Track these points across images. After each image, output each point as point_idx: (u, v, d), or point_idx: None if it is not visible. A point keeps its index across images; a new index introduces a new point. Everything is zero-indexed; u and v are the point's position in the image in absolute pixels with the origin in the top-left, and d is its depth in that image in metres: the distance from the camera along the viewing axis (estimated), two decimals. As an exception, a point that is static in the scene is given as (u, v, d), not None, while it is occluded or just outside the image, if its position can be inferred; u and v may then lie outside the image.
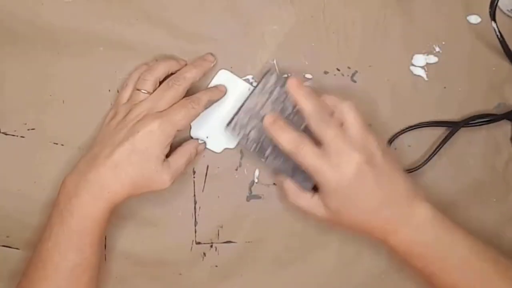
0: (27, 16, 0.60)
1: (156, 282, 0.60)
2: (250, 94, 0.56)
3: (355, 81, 0.61)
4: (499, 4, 0.60)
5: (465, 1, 0.62)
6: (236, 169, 0.61)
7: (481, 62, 0.61)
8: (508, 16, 0.61)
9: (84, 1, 0.60)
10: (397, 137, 0.61)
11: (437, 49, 0.61)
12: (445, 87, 0.61)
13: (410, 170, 0.60)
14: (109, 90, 0.60)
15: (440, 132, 0.61)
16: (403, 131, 0.61)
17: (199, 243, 0.61)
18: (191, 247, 0.61)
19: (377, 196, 0.52)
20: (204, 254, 0.61)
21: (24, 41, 0.60)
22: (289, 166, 0.55)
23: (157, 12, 0.60)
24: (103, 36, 0.60)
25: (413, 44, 0.61)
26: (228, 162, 0.61)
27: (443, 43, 0.61)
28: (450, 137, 0.60)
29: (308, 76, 0.61)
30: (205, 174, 0.61)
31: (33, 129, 0.60)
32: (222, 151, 0.60)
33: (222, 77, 0.60)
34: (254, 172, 0.61)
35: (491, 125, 0.61)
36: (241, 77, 0.61)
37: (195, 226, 0.61)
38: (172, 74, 0.57)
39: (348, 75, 0.61)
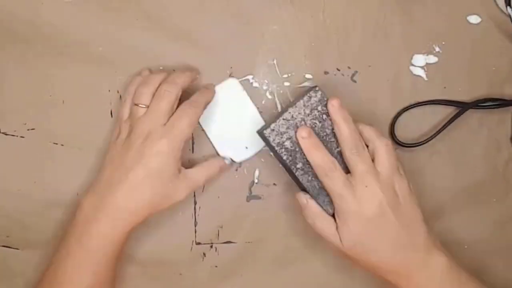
0: (27, 16, 0.60)
1: (156, 282, 0.60)
2: (292, 105, 0.54)
3: (355, 81, 0.61)
4: (498, 4, 0.61)
5: (465, 1, 0.62)
6: (236, 169, 0.61)
7: (481, 62, 0.62)
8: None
9: (84, 1, 0.60)
10: (400, 115, 0.61)
11: (437, 49, 0.61)
12: (445, 87, 0.61)
13: (413, 145, 0.60)
14: (109, 90, 0.60)
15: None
16: (406, 109, 0.61)
17: (199, 243, 0.61)
18: (191, 247, 0.61)
19: (395, 239, 0.51)
20: (204, 254, 0.61)
21: (24, 41, 0.60)
22: (315, 186, 0.54)
23: (157, 12, 0.60)
24: (103, 36, 0.60)
25: (413, 44, 0.61)
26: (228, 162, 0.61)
27: (443, 43, 0.61)
28: (457, 117, 0.60)
29: (308, 76, 0.61)
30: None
31: (33, 129, 0.60)
32: (225, 158, 0.60)
33: (231, 85, 0.60)
34: (254, 172, 0.61)
35: (491, 125, 0.61)
36: (241, 77, 0.61)
37: (195, 226, 0.61)
38: None
39: (348, 75, 0.61)
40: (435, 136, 0.60)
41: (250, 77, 0.61)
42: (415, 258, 0.52)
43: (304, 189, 0.55)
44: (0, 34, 0.60)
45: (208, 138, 0.60)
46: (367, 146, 0.54)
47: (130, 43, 0.60)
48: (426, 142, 0.60)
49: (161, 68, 0.60)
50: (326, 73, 0.61)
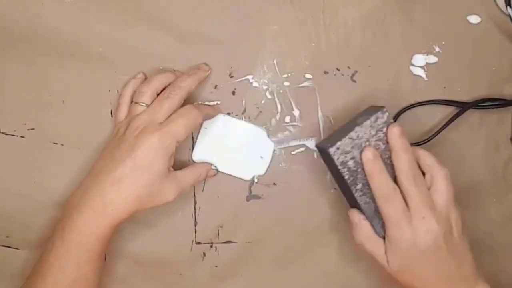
0: (27, 16, 0.60)
1: (156, 282, 0.60)
2: (359, 123, 0.53)
3: (355, 81, 0.61)
4: (498, 4, 0.60)
5: (465, 1, 0.61)
6: (236, 169, 0.61)
7: (481, 62, 0.61)
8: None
9: (84, 1, 0.60)
10: (400, 115, 0.61)
11: (437, 49, 0.61)
12: (445, 87, 0.61)
13: (413, 145, 0.59)
14: (109, 90, 0.60)
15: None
16: (406, 109, 0.61)
17: (199, 243, 0.61)
18: (191, 247, 0.61)
19: (444, 272, 0.51)
20: (204, 254, 0.61)
21: (24, 41, 0.60)
22: (372, 209, 0.53)
23: (157, 12, 0.60)
24: (103, 36, 0.60)
25: (413, 44, 0.61)
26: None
27: (443, 43, 0.61)
28: (457, 117, 0.60)
29: (308, 76, 0.61)
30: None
31: (33, 129, 0.60)
32: (252, 178, 0.61)
33: (218, 120, 0.61)
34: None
35: (491, 125, 0.61)
36: (241, 78, 0.61)
37: (195, 226, 0.61)
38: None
39: (348, 75, 0.61)
40: (435, 136, 0.60)
41: (250, 77, 0.61)
42: (461, 287, 0.52)
43: (357, 208, 0.54)
44: (0, 34, 0.60)
45: (227, 173, 0.61)
46: (423, 173, 0.53)
47: (130, 43, 0.60)
48: (426, 142, 0.60)
49: (161, 68, 0.60)
50: (326, 73, 0.61)
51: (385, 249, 0.52)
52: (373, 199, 0.52)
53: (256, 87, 0.61)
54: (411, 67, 0.61)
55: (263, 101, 0.61)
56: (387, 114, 0.53)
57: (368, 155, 0.52)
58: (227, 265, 0.61)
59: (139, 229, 0.60)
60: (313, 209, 0.61)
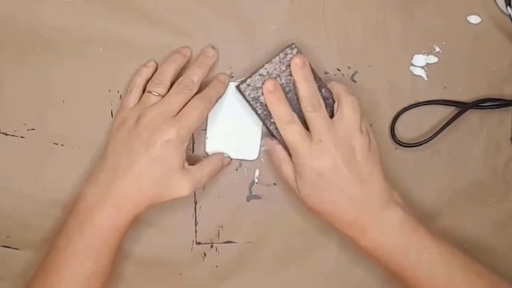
0: (27, 16, 0.60)
1: (156, 282, 0.60)
2: (268, 61, 0.56)
3: (355, 81, 0.61)
4: (498, 4, 0.61)
5: (465, 1, 0.62)
6: (236, 169, 0.61)
7: (481, 62, 0.62)
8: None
9: (84, 1, 0.60)
10: (400, 115, 0.61)
11: (437, 49, 0.62)
12: (445, 87, 0.61)
13: (413, 145, 0.60)
14: (109, 90, 0.60)
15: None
16: (406, 109, 0.61)
17: (199, 243, 0.61)
18: (192, 247, 0.61)
19: (349, 193, 0.52)
20: (205, 254, 0.61)
21: (24, 41, 0.60)
22: None
23: (157, 12, 0.60)
24: (103, 36, 0.60)
25: (413, 44, 0.61)
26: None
27: (443, 43, 0.61)
28: (457, 117, 0.60)
29: (308, 76, 0.61)
30: (205, 174, 0.61)
31: (33, 129, 0.60)
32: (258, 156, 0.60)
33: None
34: (254, 172, 0.61)
35: (491, 125, 0.61)
36: (241, 78, 0.61)
37: (195, 226, 0.61)
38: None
39: (348, 75, 0.61)
40: (435, 136, 0.60)
41: (250, 77, 0.61)
42: (369, 211, 0.53)
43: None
44: (0, 34, 0.60)
45: (206, 136, 0.60)
46: (333, 104, 0.55)
47: (130, 43, 0.60)
48: (426, 142, 0.60)
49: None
50: (326, 73, 0.61)
51: (294, 177, 0.54)
52: None
53: (256, 87, 0.61)
54: (411, 67, 0.61)
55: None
56: (296, 49, 0.56)
57: (268, 86, 0.55)
58: (227, 265, 0.61)
59: (140, 229, 0.60)
60: (313, 209, 0.61)
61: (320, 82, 0.57)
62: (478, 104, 0.60)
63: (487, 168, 0.61)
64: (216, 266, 0.61)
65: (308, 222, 0.60)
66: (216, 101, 0.57)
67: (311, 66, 0.56)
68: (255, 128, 0.60)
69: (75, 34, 0.60)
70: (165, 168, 0.53)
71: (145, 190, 0.53)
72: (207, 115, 0.57)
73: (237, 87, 0.57)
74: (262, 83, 0.56)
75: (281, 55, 0.56)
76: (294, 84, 0.56)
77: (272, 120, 0.56)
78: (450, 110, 0.61)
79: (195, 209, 0.61)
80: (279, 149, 0.56)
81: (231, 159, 0.60)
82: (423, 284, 0.52)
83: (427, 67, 0.61)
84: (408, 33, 0.61)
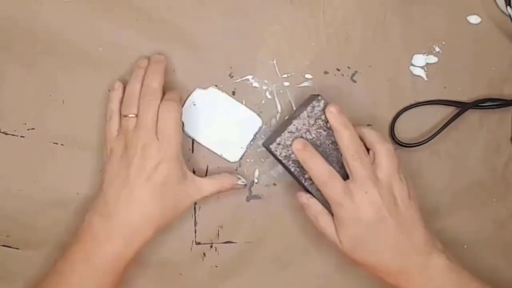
0: (27, 16, 0.60)
1: (156, 282, 0.60)
2: (296, 116, 0.55)
3: (355, 81, 0.61)
4: (498, 4, 0.61)
5: (465, 1, 0.62)
6: (236, 169, 0.61)
7: (481, 62, 0.62)
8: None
9: (83, 1, 0.60)
10: (400, 115, 0.61)
11: (437, 49, 0.61)
12: (445, 87, 0.61)
13: (413, 145, 0.60)
14: (109, 90, 0.60)
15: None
16: (406, 109, 0.61)
17: (199, 243, 0.61)
18: (191, 247, 0.61)
19: (394, 243, 0.51)
20: (204, 254, 0.61)
21: (24, 41, 0.60)
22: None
23: (157, 12, 0.60)
24: (102, 36, 0.60)
25: (413, 44, 0.61)
26: (228, 162, 0.61)
27: (443, 43, 0.61)
28: (457, 117, 0.60)
29: (308, 76, 0.61)
30: (205, 174, 0.61)
31: (33, 129, 0.60)
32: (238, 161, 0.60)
33: (210, 94, 0.60)
34: (254, 172, 0.61)
35: (491, 125, 0.61)
36: (241, 78, 0.61)
37: (195, 226, 0.61)
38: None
39: (348, 75, 0.61)
40: (435, 136, 0.60)
41: (250, 77, 0.61)
42: (414, 261, 0.52)
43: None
44: (0, 34, 0.60)
45: (200, 144, 0.60)
46: (368, 150, 0.54)
47: (130, 43, 0.60)
48: (426, 142, 0.60)
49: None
50: (326, 73, 0.61)
51: (335, 229, 0.53)
52: None
53: (256, 87, 0.61)
54: (411, 67, 0.61)
55: (263, 101, 0.61)
56: (323, 101, 0.55)
57: (297, 145, 0.53)
58: (227, 265, 0.61)
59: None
60: (313, 209, 0.61)
61: None
62: (478, 104, 0.60)
63: (487, 168, 0.61)
64: (216, 266, 0.60)
65: (308, 222, 0.60)
66: (182, 101, 0.57)
67: None
68: (246, 133, 0.60)
69: (75, 34, 0.60)
70: (166, 188, 0.53)
71: (152, 216, 0.53)
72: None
73: (267, 147, 0.56)
74: (292, 140, 0.54)
75: (309, 109, 0.54)
76: (325, 138, 0.54)
77: (306, 176, 0.55)
78: (450, 110, 0.61)
79: (194, 209, 0.61)
80: (313, 203, 0.55)
81: (245, 185, 0.59)
82: None
83: (427, 67, 0.61)
84: (408, 33, 0.61)
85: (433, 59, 0.61)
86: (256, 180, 0.61)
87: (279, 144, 0.54)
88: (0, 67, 0.60)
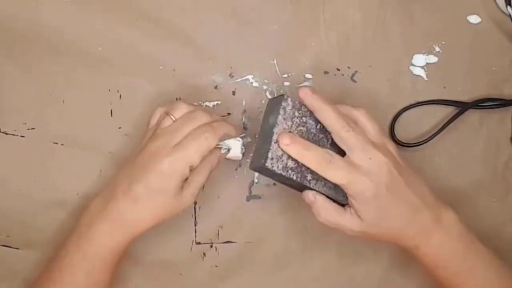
0: (27, 16, 0.60)
1: (156, 282, 0.60)
2: (274, 125, 0.51)
3: (355, 81, 0.61)
4: (498, 4, 0.61)
5: (465, 1, 0.62)
6: (236, 169, 0.61)
7: (481, 62, 0.62)
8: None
9: (83, 0, 0.60)
10: (400, 115, 0.61)
11: (437, 49, 0.62)
12: (445, 87, 0.61)
13: (413, 145, 0.60)
14: (109, 90, 0.60)
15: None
16: (406, 109, 0.61)
17: (199, 243, 0.61)
18: (191, 247, 0.61)
19: (411, 201, 0.51)
20: (204, 254, 0.61)
21: (24, 41, 0.60)
22: (331, 187, 0.52)
23: (156, 12, 0.61)
24: (102, 36, 0.60)
25: (413, 44, 0.61)
26: (228, 162, 0.61)
27: (443, 43, 0.61)
28: (457, 117, 0.60)
29: (308, 76, 0.61)
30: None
31: (33, 128, 0.60)
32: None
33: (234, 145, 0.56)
34: (254, 172, 0.61)
35: (491, 125, 0.61)
36: (241, 78, 0.61)
37: (195, 226, 0.61)
38: None
39: (348, 75, 0.61)
40: (435, 136, 0.60)
41: (250, 77, 0.61)
42: (428, 216, 0.51)
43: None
44: (0, 34, 0.60)
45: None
46: None
47: (130, 43, 0.60)
48: (426, 142, 0.60)
49: (160, 68, 0.60)
50: (326, 73, 0.61)
51: (353, 211, 0.51)
52: (325, 179, 0.51)
53: (256, 87, 0.61)
54: (411, 67, 0.61)
55: (263, 101, 0.61)
56: (289, 99, 0.52)
57: (285, 140, 0.50)
58: (227, 265, 0.61)
59: (139, 229, 0.60)
60: (313, 209, 0.61)
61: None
62: (478, 104, 0.60)
63: (487, 168, 0.61)
64: (216, 266, 0.60)
65: (308, 222, 0.60)
66: (224, 139, 0.55)
67: None
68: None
69: (75, 33, 0.60)
70: (161, 197, 0.52)
71: (144, 214, 0.52)
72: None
73: (261, 167, 0.51)
74: (282, 149, 0.51)
75: (281, 111, 0.51)
76: (308, 130, 0.52)
77: (308, 178, 0.52)
78: (450, 110, 0.61)
79: (194, 209, 0.61)
80: (321, 199, 0.52)
81: (227, 149, 0.56)
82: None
83: (427, 67, 0.61)
84: (408, 33, 0.61)
85: (433, 59, 0.61)
86: (256, 180, 0.61)
87: (272, 159, 0.51)
88: (0, 67, 0.60)
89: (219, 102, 0.61)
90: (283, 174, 0.51)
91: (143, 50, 0.60)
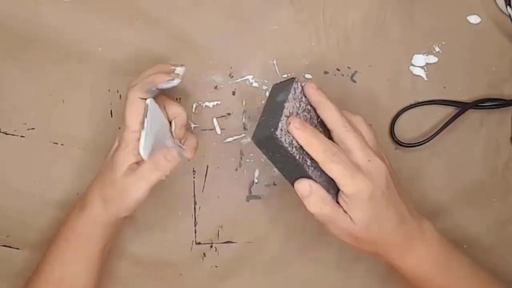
0: (27, 16, 0.60)
1: (156, 283, 0.60)
2: (284, 100, 0.50)
3: (355, 81, 0.61)
4: (498, 4, 0.61)
5: (465, 1, 0.62)
6: (236, 169, 0.61)
7: (481, 62, 0.62)
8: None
9: (83, 0, 0.60)
10: (400, 115, 0.61)
11: (437, 49, 0.62)
12: (445, 87, 0.61)
13: (413, 145, 0.60)
14: (109, 90, 0.60)
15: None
16: (406, 109, 0.61)
17: (199, 243, 0.61)
18: (191, 247, 0.61)
19: (400, 209, 0.50)
20: (204, 254, 0.61)
21: (24, 41, 0.60)
22: (326, 180, 0.50)
23: (156, 12, 0.61)
24: (102, 36, 0.60)
25: (413, 44, 0.61)
26: (228, 162, 0.61)
27: (443, 43, 0.61)
28: (457, 117, 0.60)
29: (308, 76, 0.61)
30: (205, 174, 0.61)
31: (33, 128, 0.60)
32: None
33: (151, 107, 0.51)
34: (254, 172, 0.61)
35: (491, 125, 0.61)
36: (241, 78, 0.61)
37: (195, 226, 0.61)
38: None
39: (348, 75, 0.61)
40: (435, 136, 0.60)
41: (250, 77, 0.61)
42: (412, 225, 0.51)
43: None
44: (0, 34, 0.60)
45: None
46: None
47: (130, 42, 0.60)
48: (426, 142, 0.60)
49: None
50: (326, 73, 0.61)
51: (345, 209, 0.49)
52: (322, 170, 0.49)
53: (256, 87, 0.61)
54: (411, 67, 0.61)
55: (263, 101, 0.61)
56: (299, 83, 0.51)
57: (295, 124, 0.48)
58: (227, 265, 0.61)
59: (139, 229, 0.60)
60: (313, 209, 0.61)
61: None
62: (478, 104, 0.60)
63: (487, 168, 0.61)
64: (216, 266, 0.60)
65: (308, 222, 0.60)
66: (149, 93, 0.51)
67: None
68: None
69: (75, 33, 0.60)
70: (117, 176, 0.51)
71: (140, 186, 0.51)
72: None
73: (269, 136, 0.48)
74: (290, 118, 0.49)
75: (292, 91, 0.50)
76: (310, 120, 0.51)
77: (308, 163, 0.49)
78: (450, 110, 0.61)
79: (194, 209, 0.61)
80: (317, 189, 0.50)
81: (180, 147, 0.53)
82: None
83: (427, 67, 0.61)
84: (408, 33, 0.61)
85: (433, 59, 0.61)
86: (256, 180, 0.61)
87: (281, 130, 0.48)
88: (0, 67, 0.60)
89: (219, 102, 0.61)
90: (288, 149, 0.48)
91: (142, 50, 0.60)
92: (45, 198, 0.60)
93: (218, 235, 0.61)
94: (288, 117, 0.49)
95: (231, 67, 0.61)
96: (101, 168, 0.55)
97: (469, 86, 0.61)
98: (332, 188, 0.50)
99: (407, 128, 0.61)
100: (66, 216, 0.55)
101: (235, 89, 0.61)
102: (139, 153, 0.48)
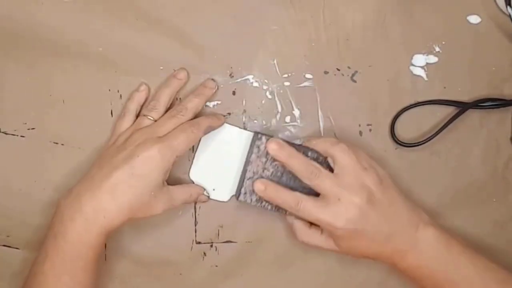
0: (27, 16, 0.60)
1: (156, 282, 0.60)
2: (246, 162, 0.56)
3: (355, 81, 0.61)
4: (498, 4, 0.61)
5: (465, 1, 0.62)
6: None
7: (481, 62, 0.62)
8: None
9: (83, 1, 0.60)
10: (400, 115, 0.61)
11: (437, 49, 0.61)
12: (445, 87, 0.61)
13: (413, 145, 0.60)
14: (109, 90, 0.60)
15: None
16: (406, 109, 0.61)
17: (199, 242, 0.61)
18: (191, 247, 0.61)
19: (383, 230, 0.53)
20: (204, 254, 0.61)
21: (24, 41, 0.60)
22: None
23: (156, 12, 0.60)
24: (102, 36, 0.60)
25: (413, 44, 0.61)
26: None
27: (443, 43, 0.61)
28: (457, 117, 0.60)
29: (308, 76, 0.61)
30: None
31: (33, 128, 0.60)
32: (229, 199, 0.60)
33: (224, 131, 0.60)
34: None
35: (491, 125, 0.61)
36: (241, 78, 0.61)
37: (195, 225, 0.61)
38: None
39: (348, 75, 0.61)
40: (435, 136, 0.60)
41: (250, 77, 0.61)
42: (404, 240, 0.53)
43: None
44: (0, 34, 0.60)
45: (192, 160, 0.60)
46: (326, 158, 0.55)
47: (130, 43, 0.60)
48: (426, 142, 0.60)
49: (161, 68, 0.60)
50: (326, 73, 0.61)
51: (326, 239, 0.55)
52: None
53: (256, 87, 0.61)
54: (411, 67, 0.61)
55: (263, 101, 0.61)
56: (263, 137, 0.56)
57: (259, 188, 0.55)
58: (227, 265, 0.61)
59: (139, 229, 0.60)
60: (313, 209, 0.61)
61: (302, 149, 0.55)
62: (478, 104, 0.60)
63: (487, 168, 0.61)
64: (216, 266, 0.61)
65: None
66: (209, 131, 0.57)
67: (285, 141, 0.55)
68: (235, 172, 0.59)
69: (75, 34, 0.60)
70: (144, 183, 0.52)
71: (121, 203, 0.51)
72: (198, 141, 0.58)
73: (238, 198, 0.57)
74: (254, 182, 0.55)
75: (255, 150, 0.56)
76: (283, 166, 0.56)
77: (281, 209, 0.56)
78: (450, 110, 0.61)
79: (195, 208, 0.61)
80: (297, 223, 0.56)
81: (209, 198, 0.60)
82: None
83: (427, 67, 0.61)
84: (408, 33, 0.61)
85: (433, 59, 0.61)
86: (256, 180, 0.61)
87: (245, 193, 0.56)
88: (0, 67, 0.60)
89: (219, 102, 0.61)
90: (258, 205, 0.56)
91: (143, 50, 0.60)
92: (45, 197, 0.60)
93: (218, 234, 0.61)
94: (251, 178, 0.56)
95: (231, 67, 0.61)
96: (86, 175, 0.53)
97: (469, 86, 0.61)
98: None
99: (407, 128, 0.61)
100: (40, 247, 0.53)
101: (235, 89, 0.61)
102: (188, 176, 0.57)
